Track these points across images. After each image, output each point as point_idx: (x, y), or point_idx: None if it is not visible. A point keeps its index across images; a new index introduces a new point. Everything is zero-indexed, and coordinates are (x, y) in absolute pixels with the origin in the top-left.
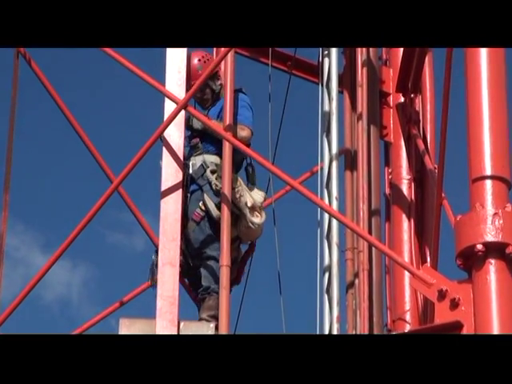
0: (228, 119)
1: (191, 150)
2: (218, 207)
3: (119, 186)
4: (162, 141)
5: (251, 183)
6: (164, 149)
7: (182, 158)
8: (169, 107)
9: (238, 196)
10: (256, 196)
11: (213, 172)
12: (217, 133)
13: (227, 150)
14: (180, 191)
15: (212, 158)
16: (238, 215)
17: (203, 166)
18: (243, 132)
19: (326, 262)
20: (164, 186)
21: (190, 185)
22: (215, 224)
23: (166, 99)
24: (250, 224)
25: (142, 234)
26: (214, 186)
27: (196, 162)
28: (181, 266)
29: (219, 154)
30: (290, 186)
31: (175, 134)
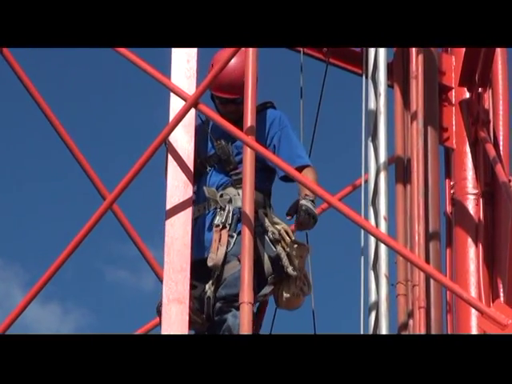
0: (250, 121)
1: (227, 178)
2: (272, 260)
3: (114, 203)
4: (166, 146)
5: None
6: (169, 156)
7: (191, 169)
8: (175, 105)
9: (297, 253)
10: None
11: (265, 215)
12: (237, 138)
13: (248, 157)
14: (189, 210)
15: (258, 196)
16: (285, 277)
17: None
18: (315, 175)
19: (373, 297)
20: (169, 204)
21: (235, 224)
22: (262, 276)
23: (172, 95)
24: (299, 292)
25: (150, 270)
26: (270, 235)
27: (241, 195)
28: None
29: (262, 189)
30: (327, 204)
31: (183, 138)
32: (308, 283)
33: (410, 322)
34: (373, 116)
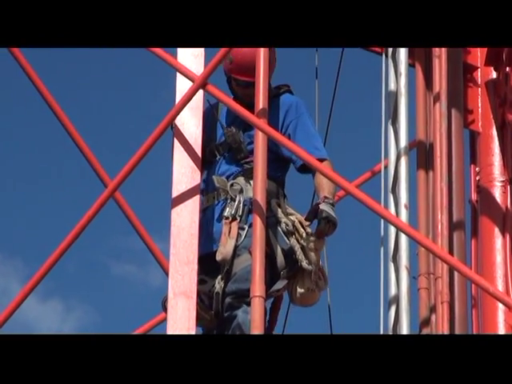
0: (261, 104)
1: (238, 168)
2: (285, 253)
3: (116, 191)
4: (172, 130)
5: None
6: (175, 141)
7: (199, 154)
8: (182, 86)
9: (313, 245)
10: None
11: (278, 205)
12: (248, 121)
13: (260, 142)
14: (197, 198)
15: (271, 185)
16: (299, 271)
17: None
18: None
19: (393, 291)
20: (176, 192)
21: (246, 215)
22: (275, 270)
23: (179, 75)
24: (315, 287)
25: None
26: (284, 226)
27: (252, 185)
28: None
29: (275, 178)
30: (344, 191)
31: (191, 122)
32: (324, 277)
33: (433, 317)
34: (393, 97)
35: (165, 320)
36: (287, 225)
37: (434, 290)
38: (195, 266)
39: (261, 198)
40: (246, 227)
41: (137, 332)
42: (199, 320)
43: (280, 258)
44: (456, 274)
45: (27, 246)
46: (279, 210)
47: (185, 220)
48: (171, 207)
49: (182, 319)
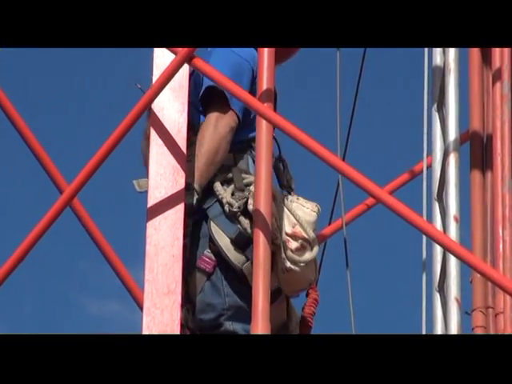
0: (266, 83)
1: None
2: (236, 243)
3: (74, 198)
4: (148, 116)
5: (286, 188)
6: (152, 131)
7: (183, 149)
8: (161, 60)
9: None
10: (300, 211)
11: (226, 181)
12: (250, 107)
13: (264, 134)
14: (181, 208)
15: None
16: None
17: None
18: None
19: (439, 329)
20: (152, 199)
21: (190, 208)
22: (235, 274)
23: (156, 49)
24: (290, 264)
25: None
26: (226, 207)
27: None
28: None
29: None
30: (374, 199)
31: (172, 107)
32: (310, 244)
33: None
34: (439, 76)
35: None
36: (231, 205)
37: (494, 329)
38: (178, 298)
39: (264, 207)
40: (190, 228)
41: None
42: None
43: (231, 253)
44: None
45: None
46: (224, 191)
47: (164, 236)
48: (146, 220)
49: None
